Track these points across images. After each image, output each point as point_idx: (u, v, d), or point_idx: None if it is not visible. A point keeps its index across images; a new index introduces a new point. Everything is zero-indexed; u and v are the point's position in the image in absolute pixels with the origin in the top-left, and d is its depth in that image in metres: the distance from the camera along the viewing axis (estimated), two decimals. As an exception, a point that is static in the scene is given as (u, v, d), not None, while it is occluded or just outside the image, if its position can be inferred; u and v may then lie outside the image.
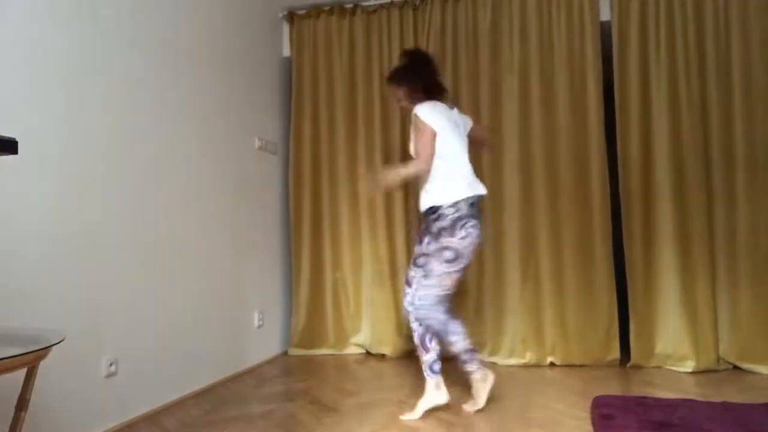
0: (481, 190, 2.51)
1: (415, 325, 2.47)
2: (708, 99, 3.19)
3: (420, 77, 2.57)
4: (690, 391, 2.70)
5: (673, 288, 3.14)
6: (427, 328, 2.44)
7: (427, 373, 2.46)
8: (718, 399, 2.48)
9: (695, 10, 3.21)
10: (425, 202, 2.50)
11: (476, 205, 2.46)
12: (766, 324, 3.01)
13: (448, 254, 2.39)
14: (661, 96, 3.23)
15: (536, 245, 3.35)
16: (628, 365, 3.20)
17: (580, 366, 3.23)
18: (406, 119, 2.96)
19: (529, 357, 3.31)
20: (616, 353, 3.24)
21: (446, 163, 2.45)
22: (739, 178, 3.10)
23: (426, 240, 2.48)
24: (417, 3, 3.65)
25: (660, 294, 3.19)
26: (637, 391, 2.71)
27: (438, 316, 2.41)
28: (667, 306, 3.16)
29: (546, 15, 3.43)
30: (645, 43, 3.29)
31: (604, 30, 3.39)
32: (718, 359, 3.10)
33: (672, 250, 3.15)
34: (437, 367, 2.46)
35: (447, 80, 3.55)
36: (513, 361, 3.33)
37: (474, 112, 3.49)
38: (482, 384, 2.45)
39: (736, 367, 3.08)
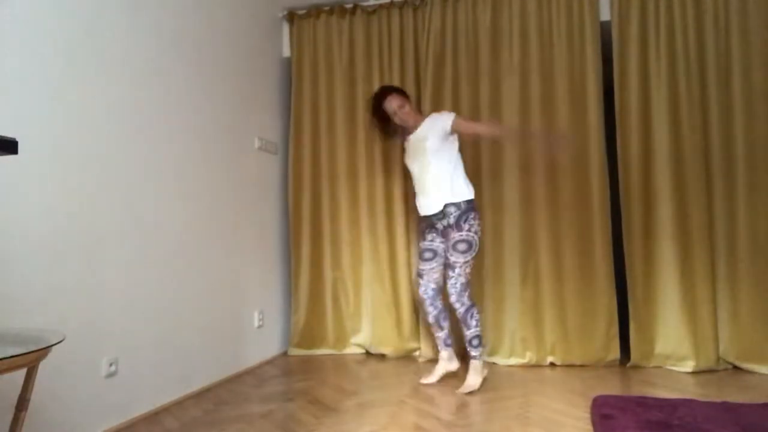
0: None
1: (458, 305, 2.83)
2: (708, 99, 3.19)
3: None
4: (690, 391, 2.70)
5: (673, 288, 3.14)
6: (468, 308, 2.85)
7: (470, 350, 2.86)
8: (718, 399, 2.49)
9: (695, 10, 3.21)
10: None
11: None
12: (766, 324, 3.02)
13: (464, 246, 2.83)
14: (661, 96, 3.23)
15: (536, 245, 3.35)
16: (628, 365, 3.20)
17: (580, 366, 3.24)
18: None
19: (529, 357, 3.31)
20: (616, 353, 3.23)
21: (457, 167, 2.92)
22: (739, 178, 3.10)
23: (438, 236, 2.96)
24: (417, 3, 3.64)
25: (660, 294, 3.19)
26: (637, 391, 2.71)
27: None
28: (667, 306, 3.16)
29: (546, 15, 3.43)
30: (645, 43, 3.29)
31: (604, 30, 3.39)
32: (718, 359, 3.10)
33: (672, 250, 3.15)
34: (450, 341, 3.02)
35: (447, 80, 3.57)
36: (513, 361, 3.33)
37: (474, 112, 3.50)
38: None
39: (736, 367, 3.08)
